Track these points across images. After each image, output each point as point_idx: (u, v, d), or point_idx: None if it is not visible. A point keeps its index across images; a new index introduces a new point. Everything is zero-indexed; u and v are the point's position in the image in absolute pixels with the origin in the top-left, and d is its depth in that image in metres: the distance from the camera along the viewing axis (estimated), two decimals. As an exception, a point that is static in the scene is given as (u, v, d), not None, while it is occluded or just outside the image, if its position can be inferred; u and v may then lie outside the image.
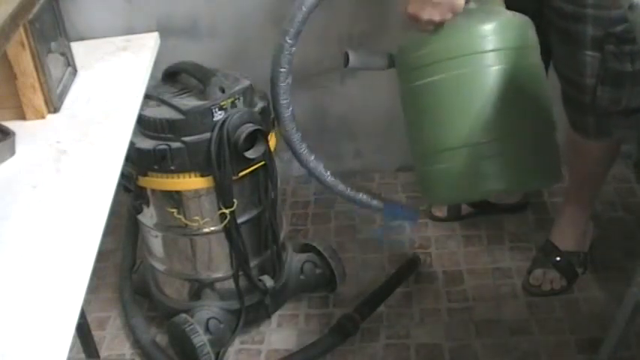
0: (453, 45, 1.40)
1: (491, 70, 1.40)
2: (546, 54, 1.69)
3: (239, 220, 1.67)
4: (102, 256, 0.89)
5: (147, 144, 1.58)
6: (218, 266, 1.75)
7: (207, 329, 1.69)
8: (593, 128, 1.65)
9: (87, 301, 1.66)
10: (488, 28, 1.40)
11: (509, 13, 1.45)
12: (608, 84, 1.55)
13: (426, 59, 1.44)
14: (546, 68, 1.79)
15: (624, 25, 1.46)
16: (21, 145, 1.08)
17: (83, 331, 1.65)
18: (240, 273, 1.73)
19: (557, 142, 1.52)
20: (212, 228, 1.67)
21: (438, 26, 1.40)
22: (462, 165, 1.43)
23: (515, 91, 1.41)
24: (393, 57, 1.53)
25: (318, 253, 1.88)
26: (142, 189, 1.67)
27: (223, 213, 1.63)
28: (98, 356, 1.74)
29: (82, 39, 1.45)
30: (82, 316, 1.67)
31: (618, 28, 1.48)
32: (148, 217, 1.73)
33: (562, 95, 1.69)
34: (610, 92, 1.56)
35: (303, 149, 1.71)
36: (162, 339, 1.82)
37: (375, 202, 1.82)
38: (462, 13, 1.39)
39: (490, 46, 1.39)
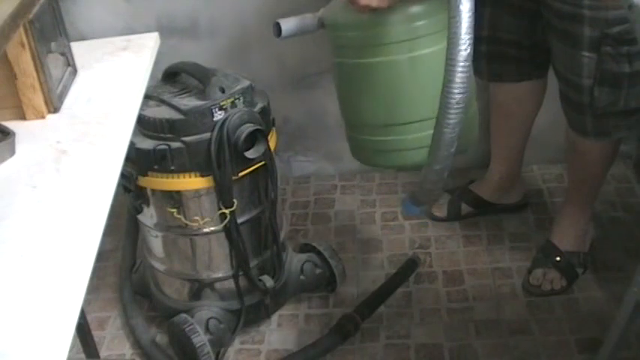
0: (380, 33, 1.43)
1: (412, 56, 1.43)
2: (546, 53, 1.70)
3: (239, 220, 1.67)
4: (102, 256, 0.89)
5: (147, 144, 1.59)
6: (218, 266, 1.75)
7: (207, 329, 1.69)
8: (591, 128, 1.65)
9: (87, 301, 1.66)
10: (416, 13, 1.42)
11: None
12: (606, 85, 1.55)
13: (355, 41, 1.48)
14: (546, 67, 1.79)
15: (621, 26, 1.46)
16: (21, 145, 1.08)
17: (83, 331, 1.65)
18: (240, 273, 1.73)
19: (475, 121, 1.57)
20: (212, 228, 1.67)
21: (373, 11, 1.40)
22: (383, 139, 1.52)
23: (433, 77, 1.37)
24: (321, 20, 1.54)
25: (318, 253, 1.88)
26: (142, 189, 1.67)
27: (223, 213, 1.63)
28: (98, 356, 1.74)
29: (82, 39, 1.45)
30: (82, 316, 1.67)
31: (615, 29, 1.48)
32: (148, 217, 1.73)
33: (560, 95, 1.69)
34: (607, 93, 1.56)
35: None
36: (162, 339, 1.82)
37: None
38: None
39: (410, 34, 1.42)
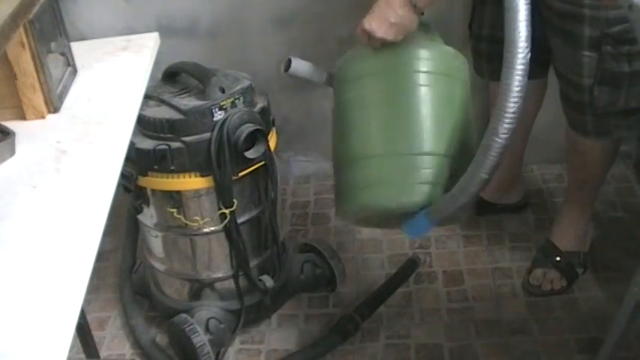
0: (388, 62, 1.42)
1: (415, 88, 1.41)
2: (546, 53, 1.70)
3: (239, 220, 1.67)
4: (102, 256, 0.89)
5: (147, 144, 1.58)
6: (218, 266, 1.75)
7: (207, 329, 1.69)
8: (592, 128, 1.65)
9: (87, 301, 1.66)
10: (423, 50, 1.42)
11: (445, 47, 1.48)
12: (606, 84, 1.55)
13: (358, 72, 1.46)
14: (547, 67, 1.79)
15: (621, 25, 1.47)
16: (21, 145, 1.08)
17: (83, 331, 1.65)
18: (240, 273, 1.73)
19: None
20: (212, 228, 1.67)
21: (385, 44, 1.41)
22: (381, 171, 1.41)
23: (431, 112, 1.41)
24: (331, 76, 1.54)
25: (318, 253, 1.89)
26: (142, 189, 1.67)
27: (223, 213, 1.63)
28: (98, 356, 1.74)
29: (82, 39, 1.45)
30: (82, 316, 1.67)
31: (615, 28, 1.48)
32: (148, 217, 1.73)
33: (561, 95, 1.69)
34: (608, 92, 1.56)
35: None
36: (162, 339, 1.82)
37: None
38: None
39: (421, 67, 1.41)
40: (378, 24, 1.38)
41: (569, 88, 1.64)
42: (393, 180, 1.39)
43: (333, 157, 1.52)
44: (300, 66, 1.54)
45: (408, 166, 1.38)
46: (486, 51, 1.80)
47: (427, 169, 1.37)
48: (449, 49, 1.48)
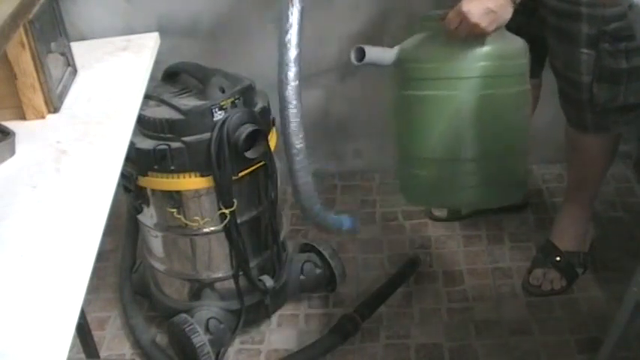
0: (455, 66, 1.45)
1: (483, 94, 1.45)
2: (542, 51, 1.70)
3: (239, 220, 1.67)
4: (102, 256, 0.89)
5: (147, 144, 1.58)
6: (218, 266, 1.75)
7: (207, 329, 1.69)
8: (591, 124, 1.66)
9: (87, 301, 1.66)
10: (477, 54, 1.44)
11: (511, 41, 1.48)
12: (604, 81, 1.56)
13: (428, 73, 1.48)
14: (542, 65, 1.79)
15: (618, 22, 1.49)
16: (21, 145, 1.08)
17: (83, 331, 1.65)
18: (240, 273, 1.73)
19: (525, 163, 1.61)
20: (212, 228, 1.67)
21: (474, 35, 1.41)
22: (435, 174, 1.54)
23: (498, 117, 1.48)
24: (398, 55, 1.52)
25: (318, 253, 1.88)
26: (142, 189, 1.67)
27: (223, 213, 1.63)
28: (98, 356, 1.74)
29: (82, 39, 1.45)
30: (82, 316, 1.67)
31: (612, 25, 1.50)
32: (148, 217, 1.73)
33: (559, 92, 1.70)
34: (606, 89, 1.57)
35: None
36: (162, 339, 1.82)
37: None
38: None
39: (477, 72, 1.44)
40: (477, 8, 1.37)
41: (567, 86, 1.65)
42: (445, 184, 1.55)
43: (398, 142, 1.60)
44: (374, 53, 1.49)
45: (457, 171, 1.52)
46: None
47: (471, 174, 1.51)
48: (511, 43, 1.48)
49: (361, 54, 1.48)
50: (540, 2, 1.59)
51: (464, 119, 1.46)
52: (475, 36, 1.41)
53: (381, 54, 1.51)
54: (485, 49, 1.43)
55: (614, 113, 1.62)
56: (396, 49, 1.52)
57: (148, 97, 1.56)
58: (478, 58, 1.44)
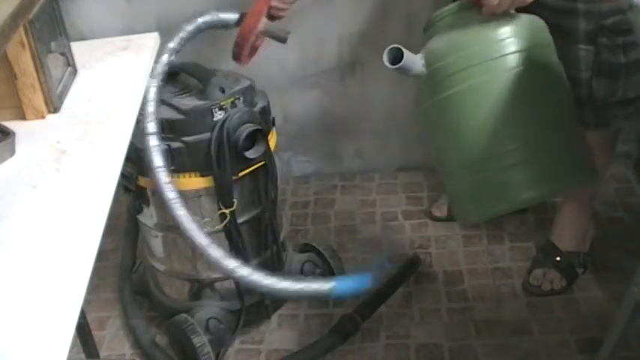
0: (472, 52, 1.36)
1: (512, 72, 1.35)
2: None
3: (239, 220, 1.67)
4: (102, 256, 0.89)
5: (147, 144, 1.58)
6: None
7: (207, 329, 1.69)
8: (591, 120, 1.66)
9: (87, 301, 1.66)
10: (506, 30, 1.36)
11: (528, 17, 1.42)
12: (604, 76, 1.57)
13: (462, 63, 1.36)
14: None
15: (616, 17, 1.50)
16: (21, 145, 1.08)
17: (83, 331, 1.65)
18: (240, 273, 1.73)
19: (584, 138, 1.46)
20: (212, 228, 1.67)
21: (513, 7, 1.36)
22: (492, 175, 1.37)
23: (539, 93, 1.37)
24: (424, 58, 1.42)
25: (318, 253, 1.88)
26: (142, 189, 1.67)
27: (223, 213, 1.63)
28: (98, 356, 1.74)
29: (82, 39, 1.45)
30: (82, 316, 1.67)
31: (609, 20, 1.51)
32: (148, 217, 1.73)
33: None
34: (606, 84, 1.58)
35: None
36: (162, 339, 1.82)
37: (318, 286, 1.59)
38: (480, 17, 1.38)
39: (511, 48, 1.35)
40: None
41: None
42: (506, 183, 1.37)
43: (441, 157, 1.46)
44: (410, 57, 1.36)
45: (506, 166, 1.36)
46: None
47: (529, 163, 1.36)
48: (526, 17, 1.41)
49: (397, 56, 1.35)
50: (537, 2, 1.59)
51: (505, 102, 1.34)
52: (508, 12, 1.37)
53: (413, 59, 1.38)
54: (511, 24, 1.37)
55: (613, 108, 1.63)
56: (421, 55, 1.41)
57: (148, 97, 1.56)
58: (508, 34, 1.36)
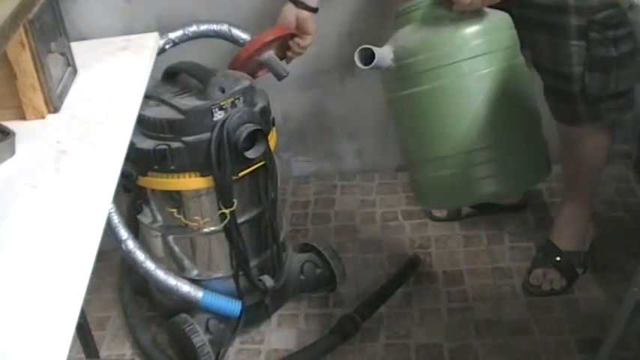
0: (442, 53, 1.41)
1: (480, 75, 1.41)
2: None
3: (239, 220, 1.67)
4: (102, 256, 0.89)
5: (147, 144, 1.59)
6: (218, 266, 1.75)
7: (207, 329, 1.69)
8: (584, 115, 1.67)
9: (87, 301, 1.66)
10: (476, 32, 1.41)
11: (496, 14, 1.46)
12: (596, 70, 1.58)
13: (416, 67, 1.43)
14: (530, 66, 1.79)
15: (606, 11, 1.51)
16: (21, 145, 1.08)
17: (83, 331, 1.65)
18: (240, 273, 1.73)
19: (543, 135, 1.55)
20: (212, 228, 1.67)
21: (485, 5, 1.40)
22: (454, 172, 1.46)
23: (504, 95, 1.42)
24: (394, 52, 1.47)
25: (318, 253, 1.88)
26: (142, 189, 1.67)
27: (223, 213, 1.63)
28: (98, 356, 1.74)
29: (82, 39, 1.45)
30: (82, 316, 1.67)
31: (600, 14, 1.52)
32: (148, 217, 1.73)
33: (546, 90, 1.70)
34: (598, 78, 1.59)
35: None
36: (162, 339, 1.82)
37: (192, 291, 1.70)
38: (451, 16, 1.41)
39: (479, 50, 1.41)
40: None
41: (557, 81, 1.65)
42: (466, 178, 1.47)
43: (406, 149, 1.56)
44: (380, 54, 1.41)
45: (476, 162, 1.44)
46: None
47: (491, 161, 1.44)
48: (495, 17, 1.45)
49: (367, 56, 1.40)
50: (525, 2, 1.60)
51: (472, 104, 1.42)
52: (478, 10, 1.40)
53: (383, 55, 1.44)
54: (482, 25, 1.41)
55: (606, 101, 1.64)
56: (389, 47, 1.46)
57: (148, 97, 1.56)
58: (478, 36, 1.40)
